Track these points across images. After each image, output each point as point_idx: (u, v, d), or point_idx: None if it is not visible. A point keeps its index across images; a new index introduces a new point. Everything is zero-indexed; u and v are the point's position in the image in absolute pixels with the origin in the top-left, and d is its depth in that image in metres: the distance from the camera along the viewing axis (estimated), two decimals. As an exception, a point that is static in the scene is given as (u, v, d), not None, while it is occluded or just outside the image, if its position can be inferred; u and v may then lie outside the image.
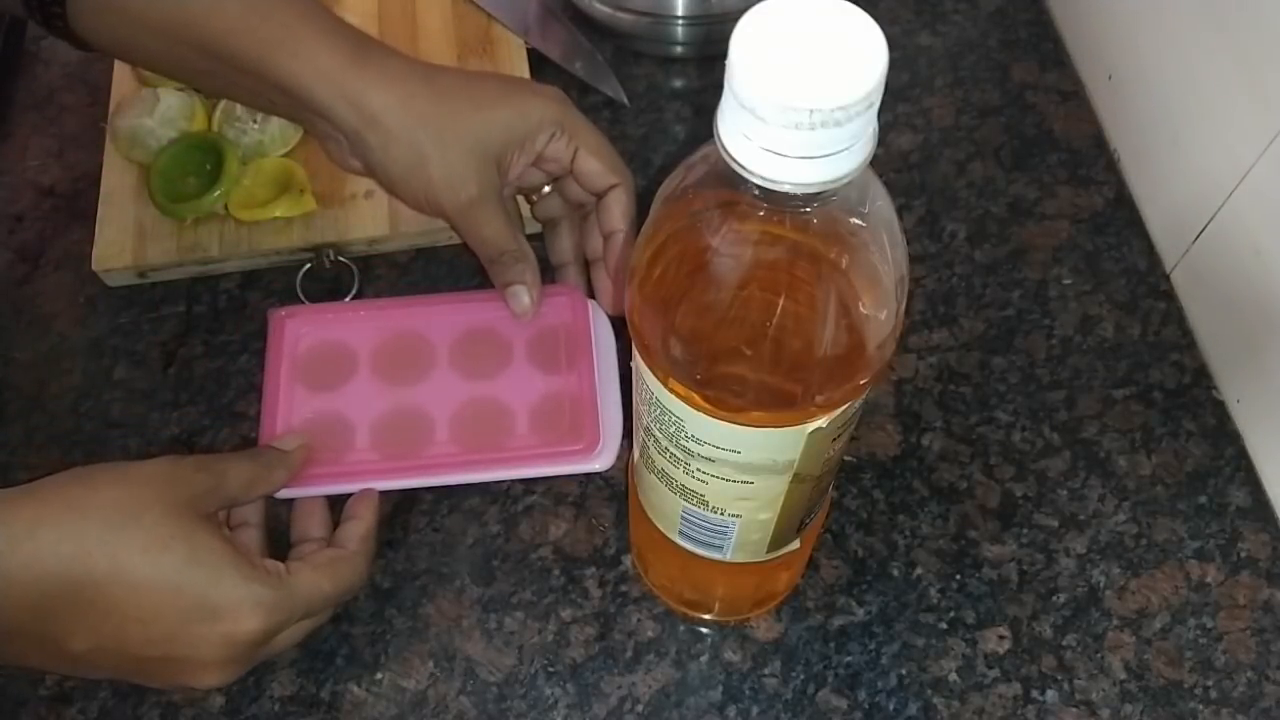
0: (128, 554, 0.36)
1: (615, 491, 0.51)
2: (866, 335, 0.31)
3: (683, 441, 0.34)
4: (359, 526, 0.45)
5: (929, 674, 0.47)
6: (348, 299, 0.56)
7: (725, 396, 0.32)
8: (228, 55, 0.45)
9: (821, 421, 0.32)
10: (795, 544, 0.42)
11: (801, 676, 0.47)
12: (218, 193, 0.56)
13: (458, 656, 0.48)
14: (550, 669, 0.47)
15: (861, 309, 0.31)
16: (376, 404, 0.50)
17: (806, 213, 0.28)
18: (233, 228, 0.57)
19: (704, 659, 0.48)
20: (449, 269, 0.58)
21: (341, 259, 0.57)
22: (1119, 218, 0.59)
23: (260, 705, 0.46)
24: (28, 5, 0.45)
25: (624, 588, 0.49)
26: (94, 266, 0.56)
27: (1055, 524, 0.51)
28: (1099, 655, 0.48)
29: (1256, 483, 0.52)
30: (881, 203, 0.30)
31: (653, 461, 0.38)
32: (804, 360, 0.31)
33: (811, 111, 0.25)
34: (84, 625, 0.36)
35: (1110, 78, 0.62)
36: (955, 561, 0.50)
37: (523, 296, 0.50)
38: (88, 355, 0.56)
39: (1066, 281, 0.57)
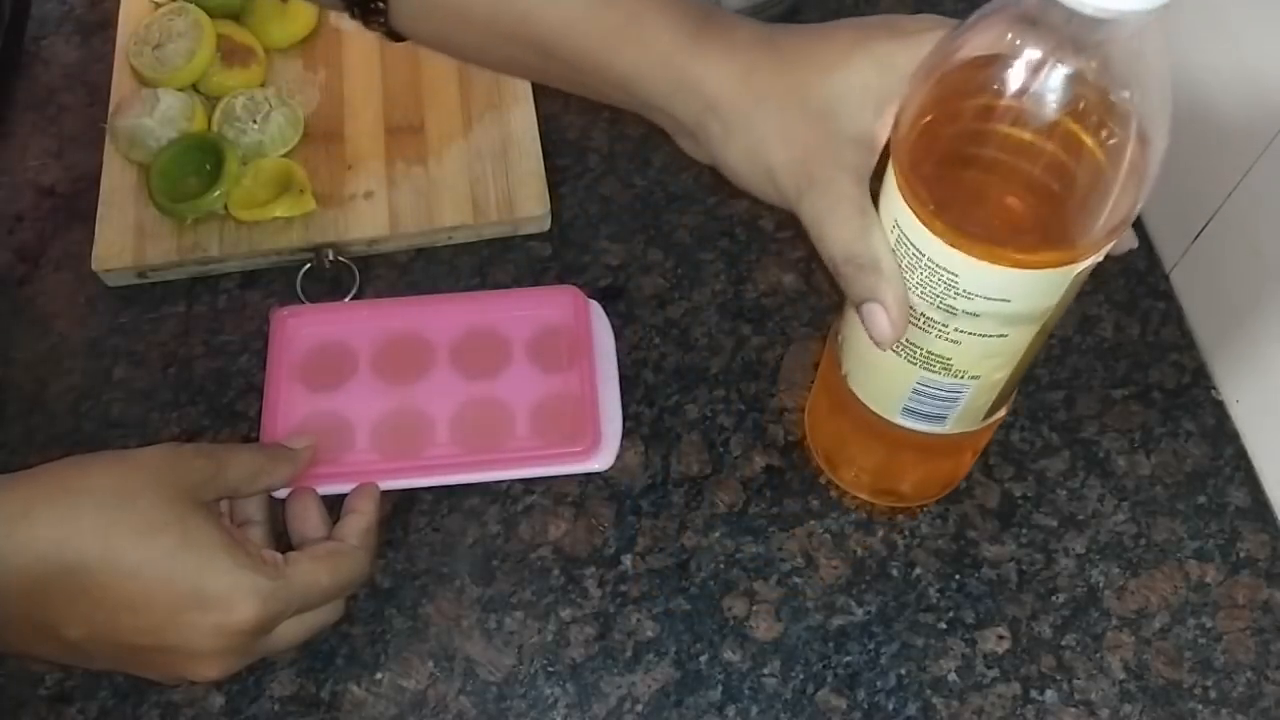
0: (120, 538, 0.36)
1: (615, 491, 0.51)
2: (1143, 176, 0.33)
3: (949, 300, 0.36)
4: (360, 520, 0.45)
5: (928, 674, 0.47)
6: (348, 299, 0.56)
7: (1017, 236, 0.34)
8: (562, 52, 0.40)
9: (1089, 261, 0.35)
10: (1002, 411, 0.45)
11: (801, 676, 0.47)
12: (218, 193, 0.56)
13: (458, 656, 0.48)
14: (550, 669, 0.47)
15: (1142, 151, 0.33)
16: (376, 404, 0.50)
17: (1101, 50, 0.30)
18: (233, 228, 0.57)
19: (703, 659, 0.48)
20: (449, 269, 0.58)
21: (341, 259, 0.57)
22: (1118, 218, 0.59)
23: (260, 705, 0.47)
24: (349, 6, 0.42)
25: (624, 588, 0.49)
26: (94, 266, 0.56)
27: (1054, 524, 0.51)
28: (1098, 655, 0.48)
29: (1256, 483, 0.52)
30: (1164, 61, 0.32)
31: None
32: (1090, 195, 0.34)
33: None
34: (77, 612, 0.36)
35: (1110, 77, 0.62)
36: (954, 561, 0.50)
37: (878, 319, 0.38)
38: (88, 355, 0.56)
39: (1066, 281, 0.57)
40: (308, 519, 0.45)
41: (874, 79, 0.37)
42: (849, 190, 0.37)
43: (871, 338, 0.39)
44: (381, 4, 0.41)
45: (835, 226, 0.37)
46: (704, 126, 0.39)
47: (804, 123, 0.37)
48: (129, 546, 0.36)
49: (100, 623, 0.37)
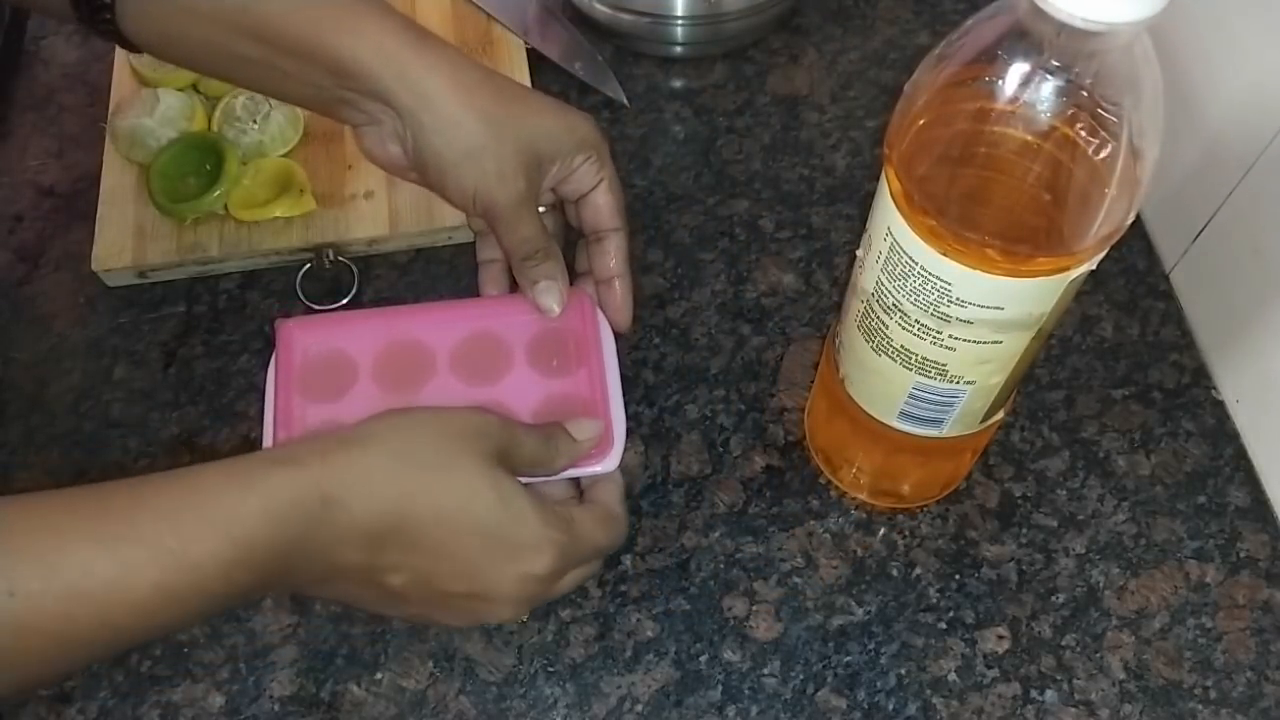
0: (446, 499, 0.40)
1: (615, 491, 0.51)
2: (1136, 185, 0.34)
3: (943, 308, 0.37)
4: (617, 490, 0.47)
5: (928, 674, 0.47)
6: (346, 299, 0.56)
7: (1010, 245, 0.34)
8: (281, 38, 0.45)
9: (1082, 269, 0.35)
10: (1000, 414, 0.45)
11: (801, 676, 0.47)
12: (218, 193, 0.56)
13: (457, 656, 0.48)
14: (550, 669, 0.47)
15: (1133, 160, 0.33)
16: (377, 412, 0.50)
17: (1092, 60, 0.31)
18: (233, 228, 0.57)
19: (703, 659, 0.48)
20: (449, 269, 0.58)
21: (341, 259, 0.57)
22: (1118, 218, 0.59)
23: (260, 705, 0.47)
24: (76, 7, 0.45)
25: (624, 588, 0.49)
26: (94, 266, 0.56)
27: (1054, 524, 0.51)
28: (1098, 655, 0.48)
29: (1256, 482, 0.52)
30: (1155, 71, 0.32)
31: (889, 341, 0.40)
32: (1082, 204, 0.34)
33: None
34: (405, 562, 0.40)
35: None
36: (954, 561, 0.50)
37: (552, 292, 0.51)
38: (88, 355, 0.56)
39: (1066, 281, 0.57)
40: (555, 483, 0.48)
41: (563, 135, 0.48)
42: (535, 203, 0.49)
43: (542, 309, 0.50)
44: (107, 11, 0.45)
45: (531, 228, 0.49)
46: (417, 119, 0.46)
47: (513, 147, 0.47)
48: (454, 506, 0.40)
49: (423, 570, 0.41)
